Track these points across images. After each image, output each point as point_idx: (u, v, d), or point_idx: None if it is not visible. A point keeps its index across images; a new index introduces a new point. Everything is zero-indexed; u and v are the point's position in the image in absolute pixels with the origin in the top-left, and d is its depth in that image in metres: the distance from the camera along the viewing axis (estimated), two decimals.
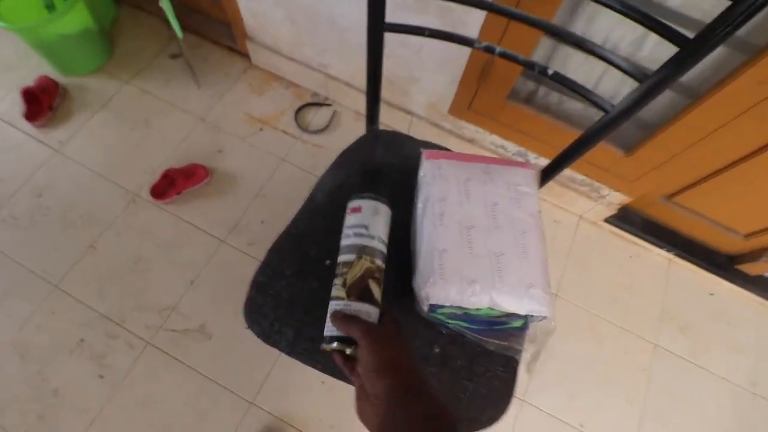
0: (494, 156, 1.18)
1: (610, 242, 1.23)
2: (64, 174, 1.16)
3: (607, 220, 1.19)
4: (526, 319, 0.51)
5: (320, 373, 0.56)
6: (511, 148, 1.12)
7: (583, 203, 1.17)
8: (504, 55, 0.56)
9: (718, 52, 0.75)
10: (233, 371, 0.99)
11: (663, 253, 1.20)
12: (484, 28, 0.83)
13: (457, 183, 0.52)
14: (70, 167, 1.17)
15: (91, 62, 1.29)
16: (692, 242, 1.17)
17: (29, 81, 1.22)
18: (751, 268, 1.15)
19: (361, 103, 0.72)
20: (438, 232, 0.49)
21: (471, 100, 1.02)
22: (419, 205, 0.54)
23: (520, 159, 1.14)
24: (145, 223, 1.12)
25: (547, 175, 0.66)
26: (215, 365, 0.99)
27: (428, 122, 1.19)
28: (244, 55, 1.36)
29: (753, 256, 1.12)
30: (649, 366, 1.09)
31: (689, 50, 0.44)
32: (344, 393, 0.99)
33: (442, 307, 0.48)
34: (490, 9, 0.51)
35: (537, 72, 0.55)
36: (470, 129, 1.13)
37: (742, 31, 0.71)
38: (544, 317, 0.48)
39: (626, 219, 1.17)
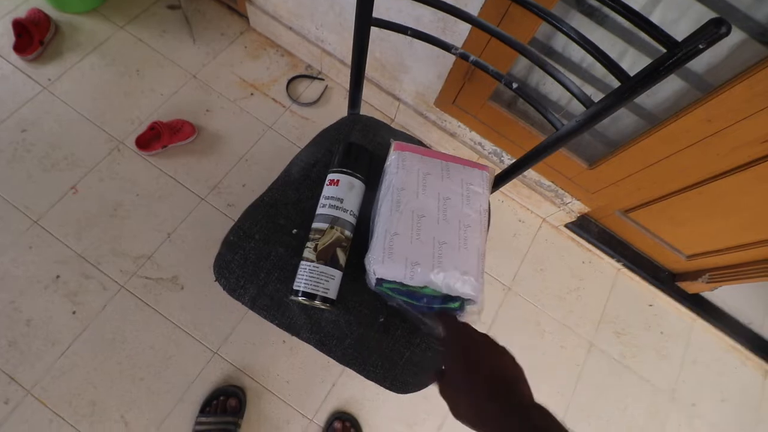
0: (464, 151, 1.24)
1: (567, 246, 1.32)
2: (50, 112, 1.16)
3: (567, 226, 1.27)
4: (462, 301, 0.58)
5: (282, 333, 0.62)
6: (488, 146, 1.18)
7: (547, 207, 1.25)
8: (477, 65, 0.60)
9: (680, 85, 0.81)
10: (201, 322, 1.05)
11: (613, 262, 1.29)
12: (472, 34, 0.87)
13: (417, 176, 0.58)
14: (57, 106, 1.17)
15: (86, 1, 1.27)
16: (640, 256, 1.27)
17: (21, 12, 1.21)
18: (689, 287, 1.26)
19: None
20: (393, 217, 0.55)
21: (456, 95, 1.07)
22: (382, 190, 0.60)
23: (495, 158, 1.20)
24: (127, 172, 1.14)
25: (506, 176, 0.72)
26: (184, 315, 1.05)
27: (414, 111, 1.23)
28: (243, 16, 1.36)
29: (693, 275, 1.23)
30: (582, 362, 1.21)
31: (629, 86, 0.49)
32: (303, 353, 1.06)
33: (387, 281, 0.55)
34: (470, 22, 0.55)
35: (504, 84, 0.60)
36: (453, 123, 1.18)
37: (700, 69, 0.78)
38: (474, 302, 0.55)
39: (584, 227, 1.26)
